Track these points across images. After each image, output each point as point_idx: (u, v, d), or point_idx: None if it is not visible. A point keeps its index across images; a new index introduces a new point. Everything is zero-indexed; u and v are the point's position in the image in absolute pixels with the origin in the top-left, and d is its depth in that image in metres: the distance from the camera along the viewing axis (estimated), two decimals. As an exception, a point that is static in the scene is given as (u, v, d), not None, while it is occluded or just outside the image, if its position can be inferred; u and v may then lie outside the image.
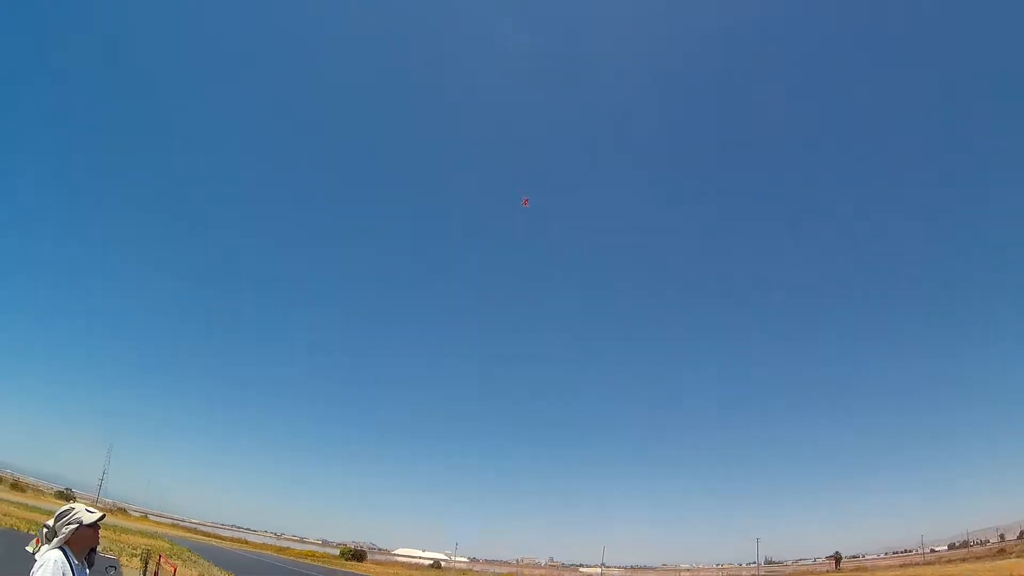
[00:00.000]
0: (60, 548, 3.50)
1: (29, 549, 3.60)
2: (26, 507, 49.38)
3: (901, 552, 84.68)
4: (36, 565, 3.39)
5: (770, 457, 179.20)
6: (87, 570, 3.69)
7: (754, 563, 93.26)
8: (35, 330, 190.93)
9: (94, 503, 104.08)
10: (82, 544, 3.64)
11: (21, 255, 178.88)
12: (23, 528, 27.55)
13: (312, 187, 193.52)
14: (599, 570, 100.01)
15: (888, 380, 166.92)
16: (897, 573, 52.79)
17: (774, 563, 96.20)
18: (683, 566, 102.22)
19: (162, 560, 18.20)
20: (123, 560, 25.15)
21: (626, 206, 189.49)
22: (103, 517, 3.82)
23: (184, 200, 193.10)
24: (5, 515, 34.39)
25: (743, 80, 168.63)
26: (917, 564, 65.51)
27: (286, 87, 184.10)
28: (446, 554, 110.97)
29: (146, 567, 16.98)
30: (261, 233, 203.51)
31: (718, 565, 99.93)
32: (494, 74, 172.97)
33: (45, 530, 3.60)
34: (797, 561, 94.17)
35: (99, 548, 3.85)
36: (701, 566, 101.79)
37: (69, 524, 3.56)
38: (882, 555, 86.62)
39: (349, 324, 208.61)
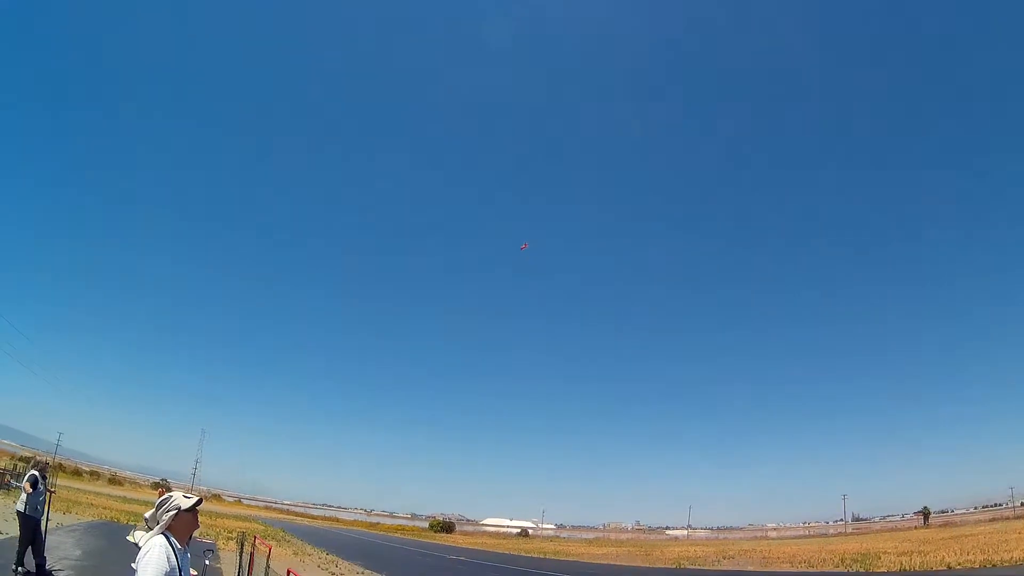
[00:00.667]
0: (162, 534, 3.65)
1: (131, 539, 3.82)
2: (124, 499, 52.05)
3: (991, 506, 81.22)
4: (142, 551, 3.52)
5: (855, 413, 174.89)
6: (188, 554, 3.83)
7: (841, 520, 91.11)
8: (121, 333, 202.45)
9: (189, 491, 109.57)
10: (183, 529, 3.78)
11: (101, 261, 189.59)
12: (123, 520, 29.01)
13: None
14: (685, 532, 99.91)
15: (972, 331, 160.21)
16: (987, 528, 50.65)
17: (861, 520, 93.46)
18: (769, 525, 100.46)
19: (257, 541, 19.18)
20: (220, 543, 25.94)
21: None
22: (200, 501, 3.94)
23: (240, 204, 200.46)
24: (106, 508, 36.28)
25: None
26: (1007, 518, 62.73)
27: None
28: (533, 522, 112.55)
29: (242, 548, 17.94)
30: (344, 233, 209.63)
31: (805, 524, 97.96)
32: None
33: (146, 519, 3.78)
34: (885, 517, 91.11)
35: (196, 534, 3.95)
36: (787, 525, 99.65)
37: (168, 511, 3.71)
38: (971, 509, 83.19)
39: (436, 313, 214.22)
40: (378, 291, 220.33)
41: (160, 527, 3.69)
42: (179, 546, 3.69)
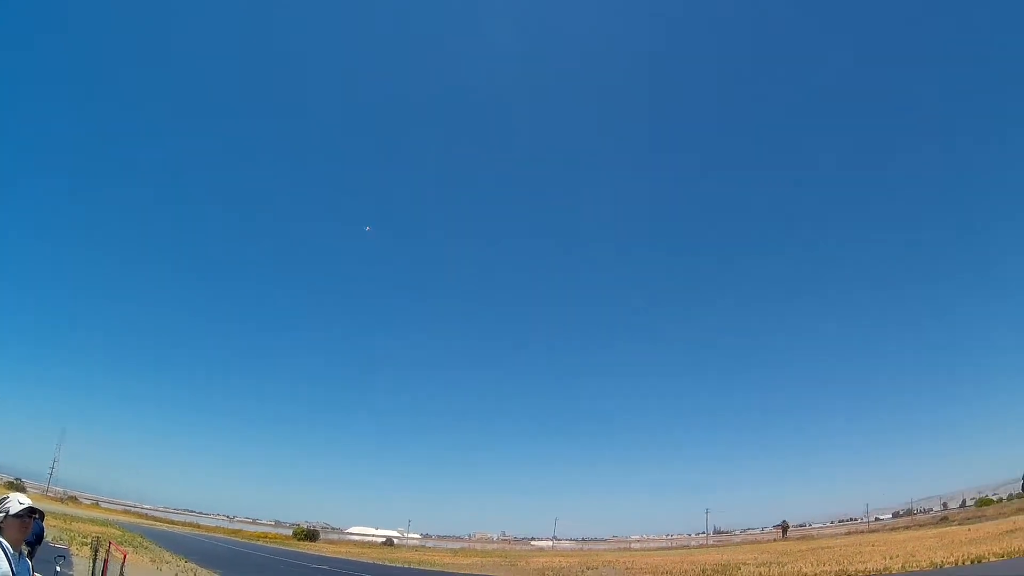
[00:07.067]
0: None
1: None
2: (-28, 499, 47.99)
3: (847, 520, 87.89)
4: None
5: (719, 429, 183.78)
6: (28, 560, 3.85)
7: (703, 533, 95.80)
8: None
9: (44, 492, 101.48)
10: (15, 534, 3.76)
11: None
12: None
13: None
14: (550, 543, 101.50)
15: (835, 353, 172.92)
16: (843, 540, 54.80)
17: (723, 533, 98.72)
18: (634, 537, 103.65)
19: (112, 547, 17.95)
20: (73, 549, 24.69)
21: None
22: (32, 509, 3.95)
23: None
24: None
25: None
26: (862, 532, 68.00)
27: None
28: (399, 531, 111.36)
29: (96, 555, 16.77)
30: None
31: (668, 536, 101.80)
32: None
33: None
34: (745, 531, 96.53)
35: (50, 538, 3.94)
36: (651, 537, 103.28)
37: None
38: (828, 524, 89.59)
39: (310, 310, 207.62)
40: (243, 287, 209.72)
41: None
42: (12, 551, 3.63)
